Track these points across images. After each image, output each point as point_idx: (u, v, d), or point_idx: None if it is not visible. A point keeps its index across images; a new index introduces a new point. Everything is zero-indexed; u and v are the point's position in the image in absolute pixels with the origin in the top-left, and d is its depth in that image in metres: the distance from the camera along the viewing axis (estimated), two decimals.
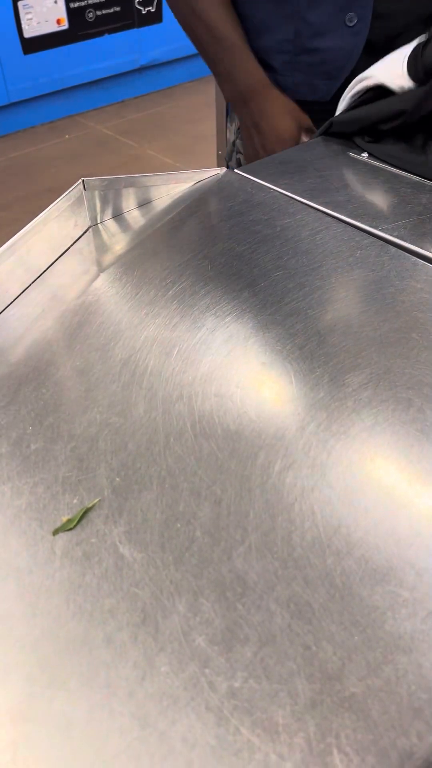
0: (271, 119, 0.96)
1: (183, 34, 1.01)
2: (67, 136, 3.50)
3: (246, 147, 1.04)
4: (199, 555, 0.42)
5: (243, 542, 0.42)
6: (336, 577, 0.41)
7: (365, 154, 0.85)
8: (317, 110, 1.00)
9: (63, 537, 0.43)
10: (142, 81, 3.89)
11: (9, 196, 2.91)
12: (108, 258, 0.71)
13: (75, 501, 0.46)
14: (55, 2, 3.35)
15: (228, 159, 1.15)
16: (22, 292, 0.66)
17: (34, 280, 0.68)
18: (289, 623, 0.38)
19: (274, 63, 0.97)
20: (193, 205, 0.78)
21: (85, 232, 0.74)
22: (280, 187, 0.78)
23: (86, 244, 0.73)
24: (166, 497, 0.45)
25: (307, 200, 0.76)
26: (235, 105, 1.01)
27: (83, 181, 0.70)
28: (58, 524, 0.44)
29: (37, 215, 0.68)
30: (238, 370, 0.55)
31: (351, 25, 0.92)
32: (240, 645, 0.38)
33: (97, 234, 0.75)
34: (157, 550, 0.42)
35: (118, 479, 0.47)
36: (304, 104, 1.00)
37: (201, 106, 3.68)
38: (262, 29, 0.96)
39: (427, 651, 0.37)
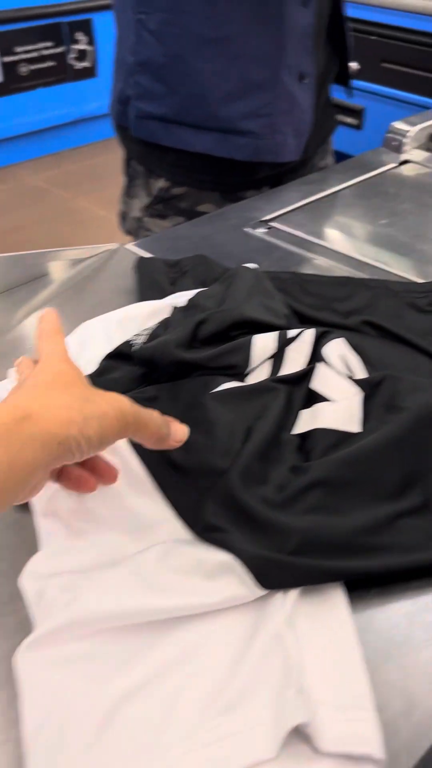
0: None
1: None
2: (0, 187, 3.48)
3: None
4: None
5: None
6: None
7: (260, 230, 0.86)
8: (285, 172, 1.03)
9: None
10: (77, 133, 3.91)
11: None
12: None
13: None
14: None
15: (135, 235, 1.13)
16: None
17: None
18: None
19: (253, 127, 0.97)
20: (81, 283, 0.76)
21: None
22: None
23: None
24: None
25: None
26: None
27: None
28: None
29: None
30: None
31: (306, 82, 0.97)
32: None
33: None
34: None
35: None
36: (275, 167, 1.01)
37: None
38: (243, 93, 0.95)
39: None
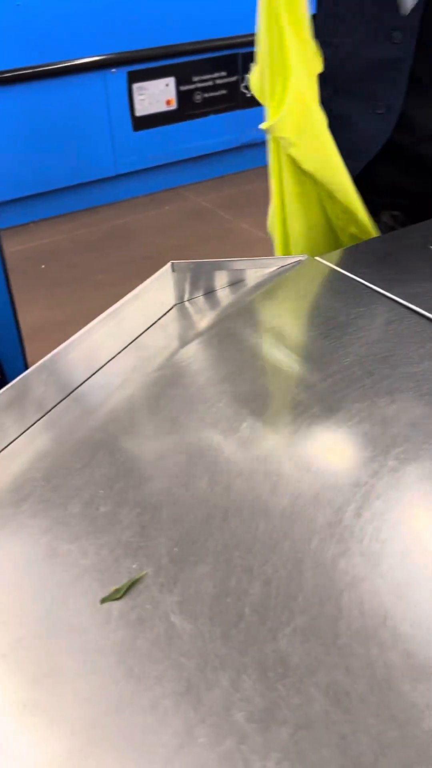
0: None
1: None
2: (166, 207, 3.69)
3: None
4: (246, 632, 0.43)
5: (289, 624, 0.44)
6: (378, 669, 0.41)
7: None
8: None
9: (121, 600, 0.46)
10: (241, 158, 4.07)
11: (109, 260, 3.08)
12: (189, 334, 0.76)
13: (134, 566, 0.48)
14: (167, 85, 3.59)
15: None
16: (110, 360, 0.71)
17: (120, 351, 0.73)
18: (327, 710, 0.39)
19: None
20: (273, 290, 0.82)
21: (170, 309, 0.79)
22: (358, 276, 0.81)
23: (171, 320, 0.78)
24: (219, 572, 0.47)
25: (383, 290, 0.78)
26: None
27: (172, 263, 0.76)
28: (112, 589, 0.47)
29: (133, 280, 0.74)
30: (301, 452, 0.58)
31: (380, 112, 0.95)
32: (277, 726, 0.39)
33: (182, 311, 0.80)
34: (206, 622, 0.44)
35: (176, 549, 0.49)
36: None
37: None
38: None
39: None
